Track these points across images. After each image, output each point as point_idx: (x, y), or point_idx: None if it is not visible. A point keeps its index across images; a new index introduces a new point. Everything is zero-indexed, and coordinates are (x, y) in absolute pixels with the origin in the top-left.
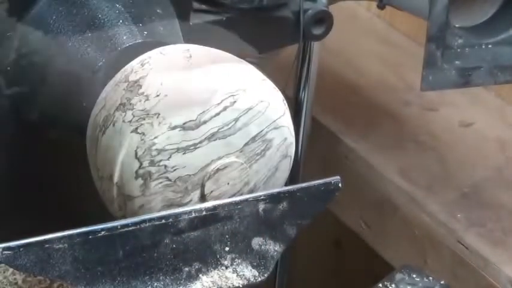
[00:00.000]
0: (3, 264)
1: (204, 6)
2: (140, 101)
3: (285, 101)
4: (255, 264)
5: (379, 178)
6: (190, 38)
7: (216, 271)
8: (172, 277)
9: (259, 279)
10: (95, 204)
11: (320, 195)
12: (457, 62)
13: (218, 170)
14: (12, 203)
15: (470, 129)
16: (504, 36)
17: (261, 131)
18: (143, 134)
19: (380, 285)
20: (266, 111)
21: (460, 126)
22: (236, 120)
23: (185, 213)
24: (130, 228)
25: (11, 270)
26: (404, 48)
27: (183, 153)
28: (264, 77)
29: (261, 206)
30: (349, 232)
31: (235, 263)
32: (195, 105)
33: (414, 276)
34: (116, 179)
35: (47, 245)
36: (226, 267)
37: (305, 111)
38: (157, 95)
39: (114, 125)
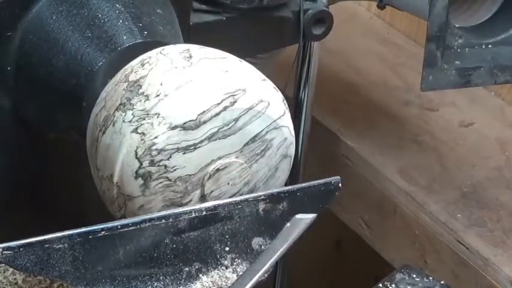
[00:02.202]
0: (3, 264)
1: (204, 6)
2: (140, 101)
3: (285, 101)
4: None
5: (379, 178)
6: (190, 38)
7: (216, 271)
8: (172, 277)
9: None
10: (95, 204)
11: (320, 195)
12: (457, 62)
13: (218, 170)
14: (12, 203)
15: (470, 129)
16: (504, 36)
17: (261, 131)
18: (143, 134)
19: (380, 285)
20: (266, 111)
21: (460, 126)
22: (236, 120)
23: (185, 213)
24: (130, 228)
25: (11, 270)
26: (404, 48)
27: (183, 153)
28: (264, 77)
29: (261, 206)
30: (349, 232)
31: (235, 263)
32: (195, 105)
33: (414, 276)
34: (116, 179)
35: (47, 245)
36: (226, 267)
37: (305, 111)
38: (157, 95)
39: (114, 125)
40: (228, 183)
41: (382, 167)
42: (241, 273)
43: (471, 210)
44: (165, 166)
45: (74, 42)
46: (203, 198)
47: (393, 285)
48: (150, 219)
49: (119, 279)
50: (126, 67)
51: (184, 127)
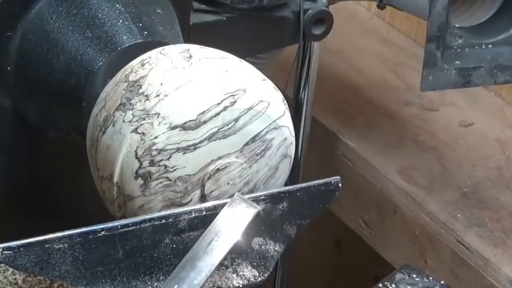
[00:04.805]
0: (3, 264)
1: (204, 6)
2: (140, 101)
3: (285, 101)
4: (255, 264)
5: (379, 178)
6: (190, 38)
7: (216, 271)
8: None
9: (259, 279)
10: (95, 204)
11: (320, 195)
12: (457, 62)
13: (218, 170)
14: (12, 203)
15: (470, 129)
16: (504, 36)
17: (261, 131)
18: (143, 134)
19: (380, 285)
20: (266, 111)
21: (460, 126)
22: (236, 120)
23: (185, 213)
24: (130, 228)
25: (11, 270)
26: (404, 48)
27: (183, 153)
28: (264, 77)
29: (261, 206)
30: (349, 232)
31: (235, 263)
32: (195, 105)
33: (414, 276)
34: (116, 179)
35: (47, 245)
36: (226, 267)
37: (305, 111)
38: (157, 95)
39: (114, 125)
40: (228, 183)
41: (382, 167)
42: (241, 273)
43: (471, 210)
44: (165, 166)
45: (74, 42)
46: (203, 198)
47: (393, 285)
48: (150, 219)
49: (118, 279)
50: (126, 67)
51: (184, 127)
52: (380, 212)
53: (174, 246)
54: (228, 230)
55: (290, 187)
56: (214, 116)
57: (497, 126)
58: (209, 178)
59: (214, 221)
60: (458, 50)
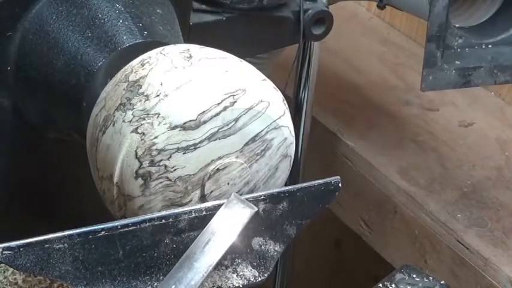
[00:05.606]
0: (3, 264)
1: (204, 6)
2: (140, 101)
3: (285, 101)
4: (255, 264)
5: (379, 178)
6: (190, 38)
7: (216, 271)
8: None
9: (259, 279)
10: (95, 204)
11: (320, 195)
12: (457, 62)
13: (218, 170)
14: (12, 202)
15: (470, 129)
16: (504, 36)
17: (261, 131)
18: (143, 134)
19: (380, 285)
20: (266, 111)
21: (460, 126)
22: (236, 120)
23: (185, 213)
24: (130, 228)
25: (11, 270)
26: (404, 48)
27: (183, 153)
28: (264, 77)
29: (261, 206)
30: (349, 232)
31: (235, 263)
32: (195, 105)
33: (414, 276)
34: (116, 179)
35: (47, 245)
36: (226, 267)
37: (305, 111)
38: (157, 95)
39: (114, 125)
40: (228, 183)
41: (382, 167)
42: (241, 273)
43: (471, 210)
44: (165, 166)
45: (74, 42)
46: (203, 198)
47: (393, 285)
48: (150, 219)
49: (118, 279)
50: (126, 67)
51: (184, 127)
52: (380, 212)
53: (174, 246)
54: (224, 231)
55: (290, 187)
56: (214, 116)
57: (497, 126)
58: (209, 178)
59: (210, 221)
60: (458, 50)
